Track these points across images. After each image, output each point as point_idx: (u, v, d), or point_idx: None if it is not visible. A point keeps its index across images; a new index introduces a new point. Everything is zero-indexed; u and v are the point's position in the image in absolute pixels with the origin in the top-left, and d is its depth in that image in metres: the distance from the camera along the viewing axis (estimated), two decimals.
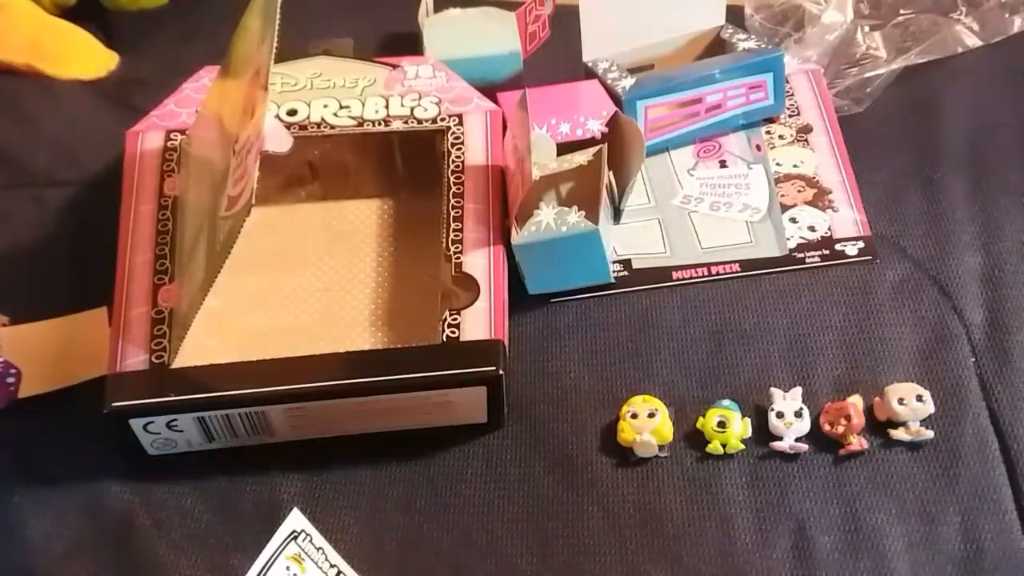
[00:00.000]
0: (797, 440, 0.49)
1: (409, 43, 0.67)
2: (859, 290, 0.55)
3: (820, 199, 0.58)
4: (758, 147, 0.61)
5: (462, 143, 0.57)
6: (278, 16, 0.45)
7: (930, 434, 0.49)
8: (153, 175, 0.54)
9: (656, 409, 0.50)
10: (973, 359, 0.52)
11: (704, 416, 0.50)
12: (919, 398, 0.49)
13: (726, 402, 0.50)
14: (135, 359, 0.48)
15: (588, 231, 0.52)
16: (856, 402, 0.50)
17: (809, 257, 0.56)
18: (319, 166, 0.60)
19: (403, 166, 0.60)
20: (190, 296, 0.48)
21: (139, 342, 0.49)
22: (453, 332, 0.49)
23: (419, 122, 0.57)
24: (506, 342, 0.50)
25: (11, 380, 0.51)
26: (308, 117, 0.57)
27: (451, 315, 0.50)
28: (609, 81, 0.60)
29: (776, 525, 0.47)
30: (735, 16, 0.66)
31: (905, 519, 0.47)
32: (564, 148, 0.57)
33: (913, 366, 0.52)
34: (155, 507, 0.49)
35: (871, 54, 0.64)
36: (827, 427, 0.49)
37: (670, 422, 0.50)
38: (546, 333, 0.54)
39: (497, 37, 0.64)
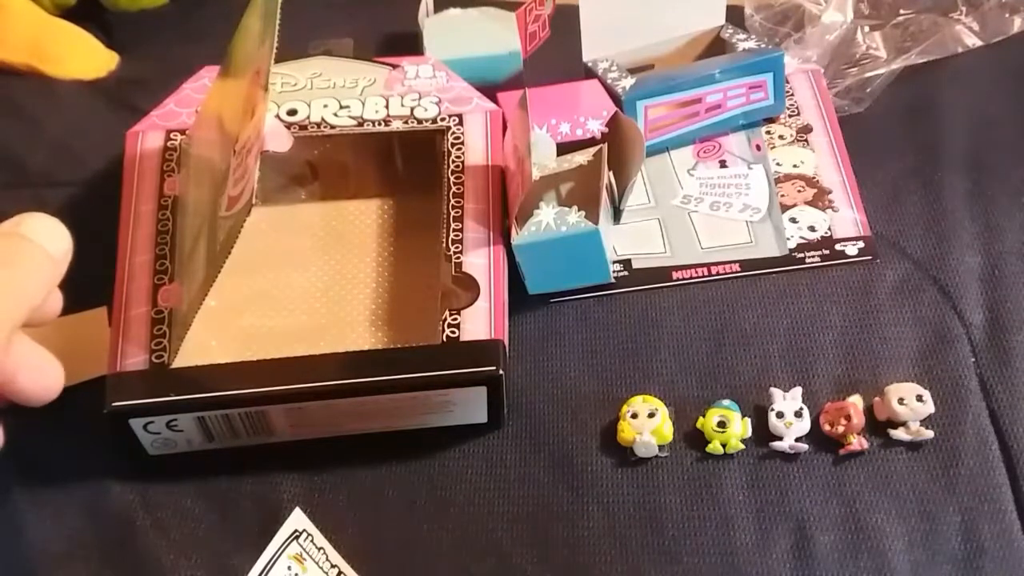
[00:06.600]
0: (797, 440, 0.49)
1: (409, 43, 0.67)
2: (859, 290, 0.55)
3: (820, 199, 0.58)
4: (758, 147, 0.61)
5: (462, 143, 0.57)
6: (278, 16, 0.45)
7: (930, 434, 0.49)
8: (153, 175, 0.54)
9: (656, 409, 0.50)
10: (973, 359, 0.52)
11: (704, 416, 0.50)
12: (919, 398, 0.49)
13: (726, 402, 0.50)
14: (135, 359, 0.48)
15: (588, 231, 0.52)
16: (856, 402, 0.50)
17: (809, 257, 0.56)
18: (319, 166, 0.60)
19: (403, 166, 0.60)
20: (190, 296, 0.48)
21: (139, 342, 0.49)
22: (453, 332, 0.49)
23: (419, 122, 0.57)
24: (506, 342, 0.50)
25: None
26: (308, 117, 0.57)
27: (451, 315, 0.50)
28: (609, 81, 0.60)
29: (776, 525, 0.47)
30: (735, 16, 0.66)
31: (905, 519, 0.47)
32: (564, 148, 0.57)
33: (913, 366, 0.52)
34: (155, 507, 0.49)
35: (871, 54, 0.64)
36: (827, 427, 0.49)
37: (670, 422, 0.50)
38: (546, 333, 0.54)
39: (497, 37, 0.64)
